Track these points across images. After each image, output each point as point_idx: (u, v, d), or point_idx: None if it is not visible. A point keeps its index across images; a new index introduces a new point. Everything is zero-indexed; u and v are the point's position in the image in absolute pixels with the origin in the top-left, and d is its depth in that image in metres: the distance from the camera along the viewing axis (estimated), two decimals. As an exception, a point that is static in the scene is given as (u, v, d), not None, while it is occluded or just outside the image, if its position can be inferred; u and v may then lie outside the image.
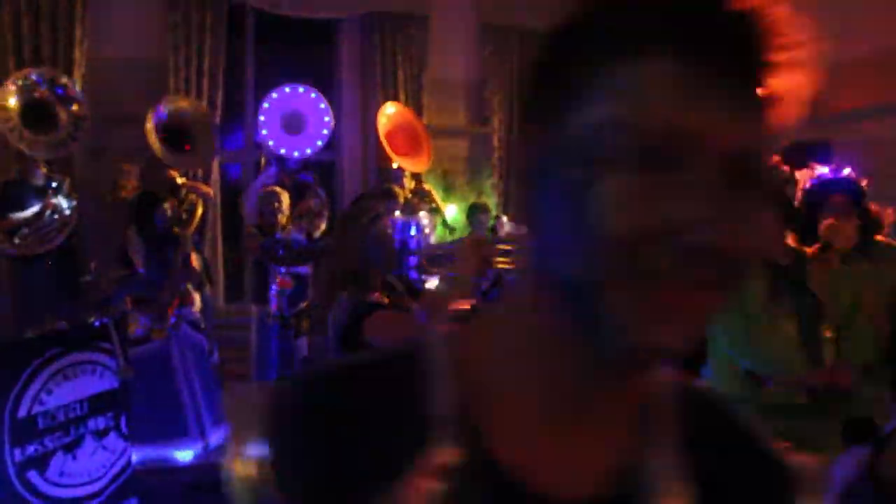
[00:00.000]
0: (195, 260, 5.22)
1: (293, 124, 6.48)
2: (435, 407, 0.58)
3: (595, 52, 0.54)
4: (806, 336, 2.98)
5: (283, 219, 5.58)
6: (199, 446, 4.75)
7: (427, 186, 7.04)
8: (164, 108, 5.98)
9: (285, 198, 5.65)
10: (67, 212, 5.25)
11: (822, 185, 3.62)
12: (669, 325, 0.52)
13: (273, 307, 5.17)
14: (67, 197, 5.38)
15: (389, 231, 2.79)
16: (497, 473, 0.57)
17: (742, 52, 0.52)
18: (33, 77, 5.48)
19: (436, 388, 0.59)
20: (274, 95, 6.51)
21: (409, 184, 6.86)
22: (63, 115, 5.47)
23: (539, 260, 0.58)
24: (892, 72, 6.40)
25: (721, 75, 0.51)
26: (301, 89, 6.63)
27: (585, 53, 0.55)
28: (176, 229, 4.94)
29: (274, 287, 5.12)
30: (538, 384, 0.59)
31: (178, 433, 4.66)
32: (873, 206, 3.55)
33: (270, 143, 6.28)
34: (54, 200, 5.32)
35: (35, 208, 5.27)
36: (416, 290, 2.92)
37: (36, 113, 5.37)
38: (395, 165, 6.82)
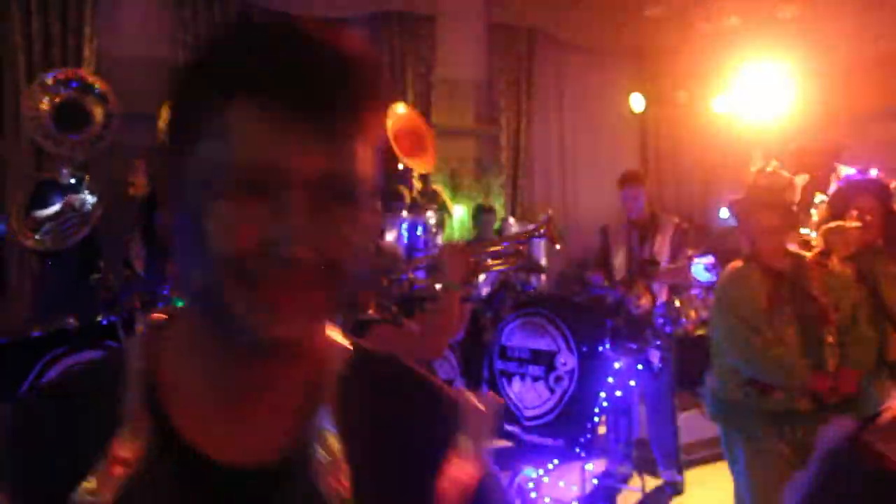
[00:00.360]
0: None
1: None
2: (124, 405, 0.69)
3: (202, 93, 0.64)
4: (808, 341, 2.97)
5: None
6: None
7: (435, 187, 7.04)
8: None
9: None
10: (89, 207, 5.26)
11: (849, 186, 3.60)
12: (281, 320, 0.64)
13: None
14: (90, 193, 5.39)
15: (371, 250, 2.76)
16: (184, 450, 0.69)
17: (322, 89, 0.62)
18: (61, 77, 5.49)
19: (126, 389, 0.70)
20: None
21: (418, 184, 6.86)
22: (98, 113, 5.49)
23: (181, 279, 0.68)
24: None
25: (301, 113, 0.61)
26: None
27: (196, 94, 0.65)
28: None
29: None
30: (205, 373, 0.71)
31: None
32: None
33: None
34: (75, 197, 5.35)
35: (57, 206, 5.30)
36: (411, 311, 2.90)
37: (68, 112, 5.39)
38: (400, 166, 6.80)
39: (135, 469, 0.66)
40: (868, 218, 3.35)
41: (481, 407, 0.81)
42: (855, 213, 3.32)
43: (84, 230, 5.16)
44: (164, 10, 6.59)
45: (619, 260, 4.70)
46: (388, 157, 7.13)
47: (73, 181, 5.35)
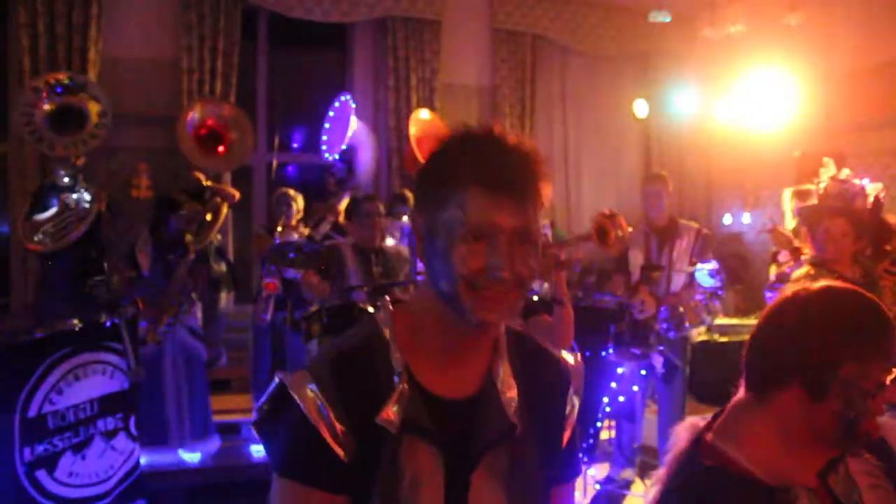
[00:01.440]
0: (220, 265, 5.20)
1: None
2: (393, 363, 1.15)
3: (447, 182, 1.12)
4: None
5: (292, 222, 5.56)
6: (216, 443, 4.73)
7: None
8: (199, 111, 6.02)
9: (299, 200, 5.64)
10: (85, 205, 5.26)
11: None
12: (492, 311, 1.11)
13: (262, 311, 5.15)
14: (84, 191, 5.39)
15: (405, 248, 2.83)
16: (425, 392, 1.16)
17: (516, 180, 1.10)
18: (52, 81, 5.50)
19: (392, 352, 1.16)
20: (337, 104, 6.50)
21: None
22: (93, 113, 5.49)
23: (432, 281, 1.16)
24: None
25: (506, 192, 1.09)
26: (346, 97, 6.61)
27: (442, 182, 1.12)
28: (189, 236, 4.94)
29: (262, 290, 5.11)
30: (436, 341, 1.18)
31: (157, 439, 4.61)
32: (891, 218, 3.52)
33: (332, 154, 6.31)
34: (71, 196, 5.34)
35: (54, 207, 5.30)
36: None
37: (63, 115, 5.39)
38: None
39: (406, 401, 1.13)
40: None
41: (579, 371, 1.30)
42: None
43: (81, 228, 5.16)
44: (168, 12, 6.60)
45: (637, 265, 4.66)
46: (406, 162, 7.16)
47: (66, 181, 5.35)
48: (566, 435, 1.27)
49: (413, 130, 6.93)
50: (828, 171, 4.10)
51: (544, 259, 2.78)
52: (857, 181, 3.22)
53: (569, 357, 1.31)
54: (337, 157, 6.31)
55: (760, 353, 1.37)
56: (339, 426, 1.11)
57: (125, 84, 6.44)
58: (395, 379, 1.13)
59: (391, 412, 1.11)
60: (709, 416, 1.45)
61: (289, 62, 7.56)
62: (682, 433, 1.42)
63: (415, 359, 1.16)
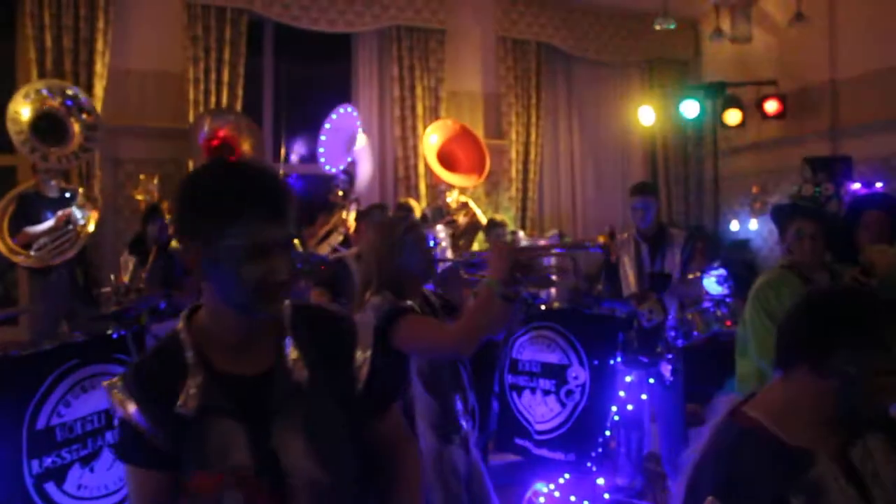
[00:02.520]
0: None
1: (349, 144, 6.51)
2: (187, 358, 1.42)
3: (222, 216, 1.34)
4: None
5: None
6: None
7: (464, 199, 7.04)
8: (212, 124, 6.03)
9: None
10: (82, 222, 5.26)
11: (855, 201, 3.59)
12: (277, 304, 1.42)
13: None
14: (81, 208, 5.40)
15: (425, 240, 2.73)
16: (219, 373, 1.42)
17: (278, 202, 1.37)
18: (43, 90, 5.51)
19: (185, 349, 1.43)
20: (334, 116, 6.54)
21: (456, 196, 6.91)
22: (76, 126, 5.50)
23: (219, 296, 1.42)
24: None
25: (274, 214, 1.36)
26: (348, 109, 6.65)
27: (216, 217, 1.35)
28: (174, 243, 4.96)
29: None
30: (229, 333, 1.44)
31: None
32: None
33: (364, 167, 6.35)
34: (68, 211, 5.34)
35: (50, 222, 5.29)
36: (453, 307, 2.85)
37: (48, 125, 5.40)
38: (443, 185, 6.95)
39: (201, 389, 1.38)
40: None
41: (366, 324, 1.62)
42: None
43: (79, 244, 5.17)
44: (175, 24, 6.63)
45: (628, 273, 4.65)
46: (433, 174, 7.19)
47: (67, 195, 5.35)
48: (361, 376, 1.52)
49: (436, 140, 7.00)
50: (802, 174, 4.08)
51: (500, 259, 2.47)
52: (830, 185, 3.21)
53: (356, 317, 1.63)
54: (342, 167, 6.33)
55: (781, 336, 1.63)
56: (145, 417, 1.39)
57: (132, 96, 6.47)
58: (190, 372, 1.39)
59: (187, 398, 1.37)
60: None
61: (294, 73, 7.58)
62: (721, 405, 1.64)
63: (212, 350, 1.43)
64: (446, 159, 7.16)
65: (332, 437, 1.45)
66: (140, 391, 1.40)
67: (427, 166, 7.23)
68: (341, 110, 6.62)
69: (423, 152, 7.19)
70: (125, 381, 1.42)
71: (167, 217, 5.12)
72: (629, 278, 4.64)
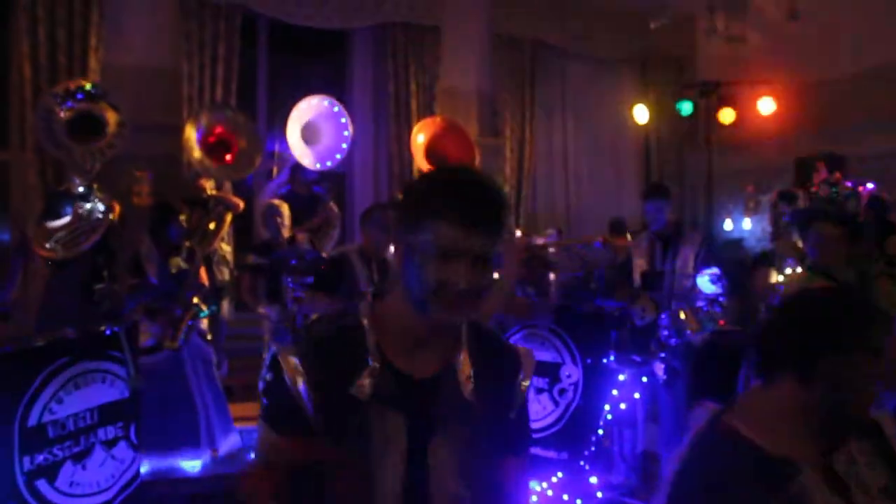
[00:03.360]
0: (223, 273, 5.20)
1: (310, 135, 6.48)
2: (368, 345, 1.39)
3: (422, 213, 1.33)
4: None
5: (286, 231, 5.56)
6: (207, 455, 4.73)
7: None
8: (208, 120, 6.01)
9: (285, 210, 5.63)
10: (99, 216, 5.25)
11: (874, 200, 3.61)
12: (451, 313, 1.35)
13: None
14: (99, 201, 5.38)
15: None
16: (395, 370, 1.39)
17: (480, 217, 1.32)
18: (73, 87, 5.49)
19: (367, 336, 1.41)
20: (302, 105, 6.49)
21: None
22: (111, 122, 5.49)
23: (405, 288, 1.37)
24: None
25: (471, 225, 1.31)
26: (325, 102, 6.61)
27: (419, 213, 1.34)
28: (188, 242, 4.93)
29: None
30: (407, 331, 1.41)
31: (189, 441, 4.66)
32: None
33: (296, 153, 6.27)
34: (85, 206, 5.34)
35: (68, 216, 5.29)
36: None
37: (81, 123, 5.39)
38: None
39: (377, 377, 1.37)
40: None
41: (528, 356, 1.54)
42: None
43: (93, 238, 5.15)
44: (169, 19, 6.59)
45: (638, 273, 4.64)
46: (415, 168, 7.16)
47: (81, 190, 5.36)
48: (516, 411, 1.50)
49: (423, 137, 6.96)
50: (819, 175, 4.10)
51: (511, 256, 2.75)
52: (849, 184, 3.23)
53: (519, 347, 1.58)
54: (329, 164, 6.33)
55: (763, 344, 1.57)
56: (313, 393, 1.37)
57: (125, 91, 6.42)
58: (369, 359, 1.38)
59: (364, 383, 1.36)
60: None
61: (289, 69, 7.56)
62: (701, 414, 1.61)
63: (388, 343, 1.41)
64: (436, 157, 7.13)
65: (486, 459, 1.45)
66: (317, 368, 1.38)
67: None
68: (333, 107, 6.60)
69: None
70: (303, 353, 1.39)
71: (182, 219, 5.08)
72: (639, 277, 4.64)
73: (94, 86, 5.45)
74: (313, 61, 7.85)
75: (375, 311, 1.45)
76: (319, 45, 7.59)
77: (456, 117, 7.60)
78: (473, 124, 7.90)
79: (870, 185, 4.10)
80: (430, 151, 6.94)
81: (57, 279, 5.26)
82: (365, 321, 1.43)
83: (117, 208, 5.34)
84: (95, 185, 5.36)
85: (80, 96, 5.27)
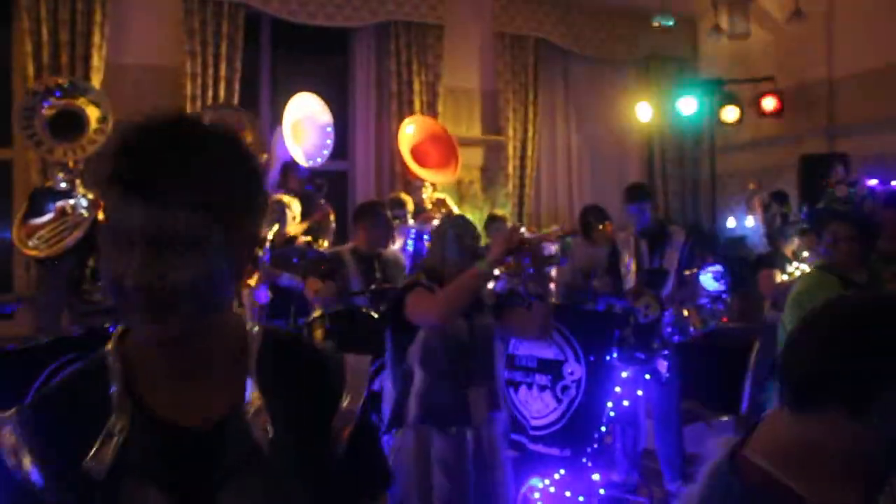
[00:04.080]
0: None
1: (299, 133, 6.48)
2: (112, 394, 0.99)
3: (98, 179, 0.96)
4: None
5: (290, 229, 5.56)
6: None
7: (441, 195, 7.04)
8: (212, 119, 6.00)
9: (293, 207, 5.63)
10: (82, 211, 5.24)
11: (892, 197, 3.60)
12: (153, 326, 0.94)
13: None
14: (82, 197, 5.38)
15: (468, 236, 3.08)
16: (153, 421, 0.99)
17: (156, 173, 0.93)
18: (52, 85, 5.50)
19: (111, 382, 1.00)
20: (295, 102, 6.49)
21: (430, 193, 6.87)
22: (93, 118, 5.49)
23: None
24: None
25: (138, 188, 0.91)
26: (312, 99, 6.62)
27: (98, 178, 0.97)
28: None
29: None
30: (162, 362, 1.01)
31: None
32: None
33: (292, 149, 6.27)
34: (68, 202, 5.33)
35: (51, 213, 5.30)
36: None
37: (63, 120, 5.39)
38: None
39: (121, 439, 0.97)
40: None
41: (359, 368, 1.11)
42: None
43: (76, 234, 5.15)
44: (171, 18, 6.61)
45: (629, 270, 4.66)
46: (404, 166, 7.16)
47: (63, 185, 5.35)
48: (343, 436, 1.06)
49: (407, 135, 6.97)
50: (837, 174, 4.09)
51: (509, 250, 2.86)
52: (867, 184, 3.23)
53: (349, 358, 1.13)
54: (320, 160, 6.33)
55: (795, 366, 1.21)
56: (43, 475, 0.97)
57: (128, 90, 6.44)
58: (112, 412, 0.98)
59: (104, 452, 0.96)
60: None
61: (291, 67, 7.57)
62: (715, 448, 1.30)
63: (145, 384, 1.01)
64: (417, 156, 7.13)
65: None
66: (39, 436, 0.98)
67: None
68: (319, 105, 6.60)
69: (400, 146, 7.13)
70: (20, 418, 1.01)
71: None
72: (630, 275, 4.65)
73: (70, 82, 5.45)
74: (316, 59, 7.85)
75: (127, 342, 1.05)
76: (322, 43, 7.59)
77: (459, 116, 7.62)
78: (476, 123, 7.91)
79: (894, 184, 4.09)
80: (413, 150, 6.94)
81: (46, 277, 5.26)
82: (109, 358, 1.02)
83: (102, 204, 5.32)
84: (78, 181, 5.36)
85: (57, 94, 5.27)
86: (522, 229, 6.63)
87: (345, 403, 1.07)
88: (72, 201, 5.20)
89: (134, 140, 0.95)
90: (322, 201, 6.26)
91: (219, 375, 1.03)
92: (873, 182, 3.89)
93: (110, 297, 0.97)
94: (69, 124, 5.37)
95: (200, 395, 1.02)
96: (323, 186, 6.22)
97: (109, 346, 1.04)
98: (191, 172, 0.93)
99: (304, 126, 6.53)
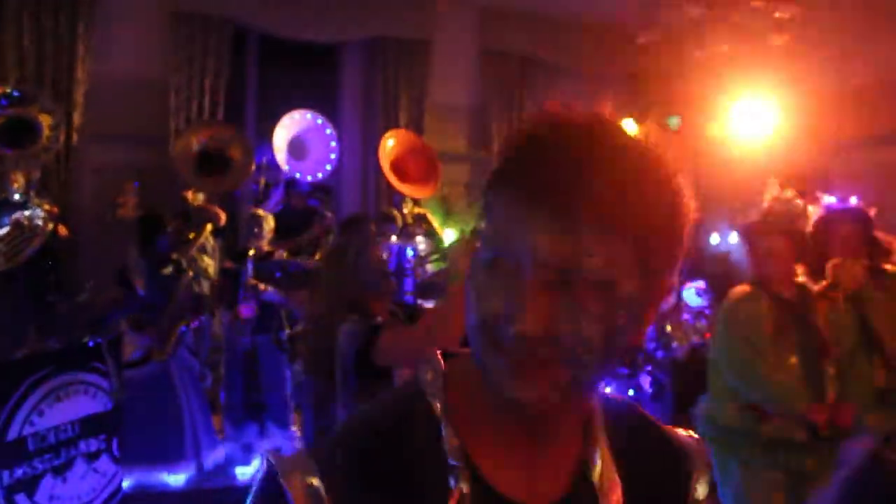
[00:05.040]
0: (205, 285, 5.19)
1: (297, 149, 6.48)
2: (448, 451, 0.76)
3: (489, 183, 0.77)
4: (809, 371, 2.97)
5: (264, 244, 5.55)
6: (192, 467, 4.70)
7: (423, 210, 7.03)
8: (202, 136, 6.00)
9: (269, 222, 5.63)
10: (38, 223, 5.19)
11: (829, 214, 3.61)
12: (530, 388, 0.70)
13: (238, 335, 5.22)
14: (37, 207, 5.32)
15: (382, 257, 2.81)
16: (492, 494, 0.76)
17: (581, 188, 0.67)
18: (14, 93, 5.46)
19: (445, 435, 0.76)
20: (286, 120, 6.49)
21: (411, 208, 6.86)
22: (45, 126, 5.45)
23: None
24: (891, 102, 6.43)
25: (551, 202, 0.68)
26: (308, 115, 6.63)
27: (487, 186, 0.78)
28: (174, 255, 4.92)
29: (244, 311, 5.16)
30: (492, 420, 0.78)
31: (175, 454, 4.64)
32: (881, 235, 3.54)
33: (286, 167, 6.27)
34: (23, 214, 5.28)
35: (7, 226, 5.23)
36: (418, 316, 2.90)
37: (15, 129, 5.34)
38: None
39: None
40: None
41: (701, 455, 0.93)
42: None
43: (34, 245, 5.10)
44: (157, 31, 6.60)
45: None
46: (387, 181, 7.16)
47: (17, 197, 5.30)
48: None
49: (388, 148, 6.97)
50: (771, 191, 4.10)
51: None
52: (800, 202, 3.23)
53: (684, 434, 0.95)
54: (321, 175, 6.33)
55: None
56: None
57: (113, 103, 6.42)
58: (451, 479, 0.74)
59: None
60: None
61: (278, 82, 7.57)
62: (853, 451, 1.24)
63: (477, 445, 0.78)
64: (398, 170, 7.13)
65: None
66: (358, 489, 0.74)
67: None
68: (315, 119, 6.61)
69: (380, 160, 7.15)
70: (329, 464, 0.76)
71: (170, 231, 5.06)
72: None
73: (19, 90, 5.42)
74: (302, 74, 7.86)
75: (452, 385, 0.81)
76: (309, 59, 7.60)
77: (445, 131, 7.63)
78: (462, 138, 7.92)
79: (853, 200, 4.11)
80: (394, 165, 6.94)
81: (7, 291, 5.20)
82: (437, 404, 0.79)
83: (57, 214, 5.29)
84: (33, 192, 5.31)
85: (3, 102, 5.24)
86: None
87: (699, 491, 0.90)
88: (27, 212, 5.15)
89: (544, 138, 0.71)
90: (329, 214, 6.26)
91: (558, 444, 0.82)
92: (831, 199, 3.91)
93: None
94: (22, 133, 5.33)
95: (545, 466, 0.80)
96: (325, 201, 6.22)
97: (430, 378, 0.81)
98: (619, 196, 0.67)
99: (305, 143, 6.54)
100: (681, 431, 0.95)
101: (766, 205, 3.46)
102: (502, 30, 8.10)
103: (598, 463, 0.82)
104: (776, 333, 2.99)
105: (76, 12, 6.16)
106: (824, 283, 3.20)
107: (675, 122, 8.06)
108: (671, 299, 4.30)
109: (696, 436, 0.95)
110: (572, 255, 0.67)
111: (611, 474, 0.82)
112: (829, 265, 3.26)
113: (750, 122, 7.73)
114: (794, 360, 2.96)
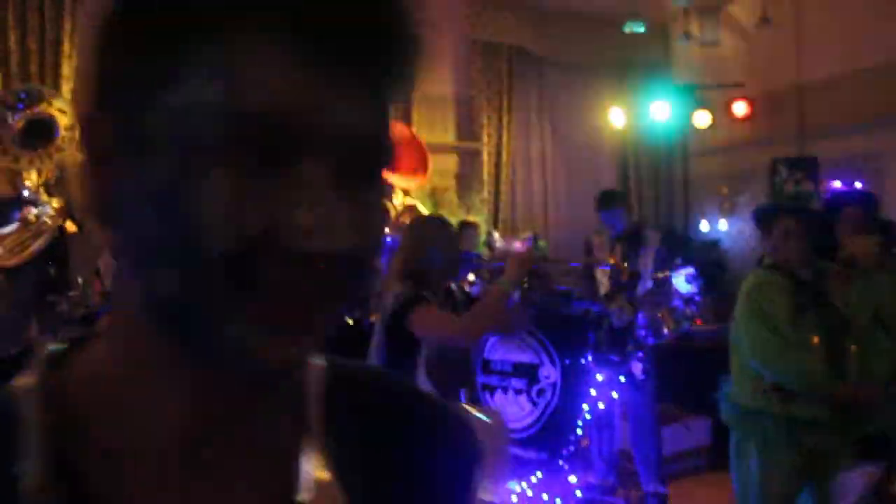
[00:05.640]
0: None
1: None
2: (25, 477, 0.45)
3: (189, 19, 0.43)
4: (831, 350, 2.99)
5: None
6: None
7: (412, 202, 7.05)
8: None
9: None
10: (46, 219, 5.19)
11: (835, 198, 3.65)
12: (289, 339, 0.44)
13: None
14: (47, 205, 5.32)
15: (457, 241, 3.05)
16: None
17: (368, 23, 0.47)
18: (21, 94, 5.44)
19: (27, 455, 0.46)
20: None
21: (402, 199, 6.88)
22: (62, 126, 5.44)
23: (128, 276, 0.48)
24: (877, 88, 6.48)
25: (344, 56, 0.44)
26: None
27: (174, 20, 0.43)
28: None
29: None
30: (161, 426, 0.48)
31: None
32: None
33: None
34: (32, 210, 5.28)
35: (17, 222, 5.24)
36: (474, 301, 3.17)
37: (33, 129, 5.34)
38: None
39: None
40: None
41: (492, 427, 0.60)
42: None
43: (40, 241, 5.10)
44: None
45: (603, 273, 4.70)
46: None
47: (26, 194, 5.30)
48: None
49: None
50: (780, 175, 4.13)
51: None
52: (810, 184, 3.27)
53: (473, 412, 0.68)
54: None
55: None
56: None
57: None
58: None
59: None
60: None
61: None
62: (854, 481, 1.17)
63: (116, 466, 0.48)
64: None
65: None
66: None
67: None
68: None
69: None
70: None
71: None
72: (605, 278, 4.69)
73: (26, 91, 5.40)
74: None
75: (58, 385, 0.49)
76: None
77: (433, 122, 7.63)
78: (451, 129, 7.93)
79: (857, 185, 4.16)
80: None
81: (11, 288, 5.20)
82: (28, 407, 0.48)
83: (67, 212, 5.29)
84: (42, 189, 5.31)
85: (20, 106, 5.22)
86: (496, 238, 6.69)
87: (484, 491, 0.62)
88: (35, 210, 5.15)
89: None
90: None
91: (260, 443, 0.52)
92: (837, 184, 3.96)
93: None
94: (38, 133, 5.32)
95: (225, 474, 0.50)
96: None
97: (21, 384, 0.49)
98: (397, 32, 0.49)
99: None
100: (467, 411, 0.60)
101: (777, 186, 3.52)
102: (490, 21, 8.11)
103: (306, 473, 0.52)
104: (797, 313, 3.01)
105: (61, 9, 6.12)
106: (838, 260, 3.24)
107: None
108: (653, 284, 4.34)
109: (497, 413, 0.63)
110: (374, 129, 0.49)
111: (325, 487, 0.52)
112: (845, 242, 3.30)
113: (736, 110, 7.78)
114: (815, 338, 2.99)
